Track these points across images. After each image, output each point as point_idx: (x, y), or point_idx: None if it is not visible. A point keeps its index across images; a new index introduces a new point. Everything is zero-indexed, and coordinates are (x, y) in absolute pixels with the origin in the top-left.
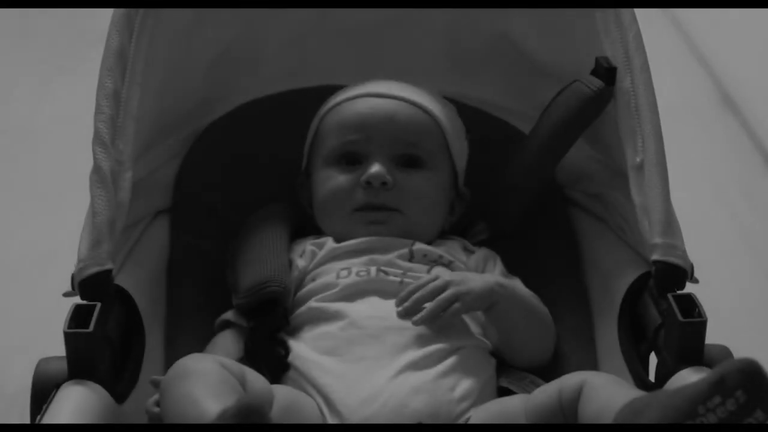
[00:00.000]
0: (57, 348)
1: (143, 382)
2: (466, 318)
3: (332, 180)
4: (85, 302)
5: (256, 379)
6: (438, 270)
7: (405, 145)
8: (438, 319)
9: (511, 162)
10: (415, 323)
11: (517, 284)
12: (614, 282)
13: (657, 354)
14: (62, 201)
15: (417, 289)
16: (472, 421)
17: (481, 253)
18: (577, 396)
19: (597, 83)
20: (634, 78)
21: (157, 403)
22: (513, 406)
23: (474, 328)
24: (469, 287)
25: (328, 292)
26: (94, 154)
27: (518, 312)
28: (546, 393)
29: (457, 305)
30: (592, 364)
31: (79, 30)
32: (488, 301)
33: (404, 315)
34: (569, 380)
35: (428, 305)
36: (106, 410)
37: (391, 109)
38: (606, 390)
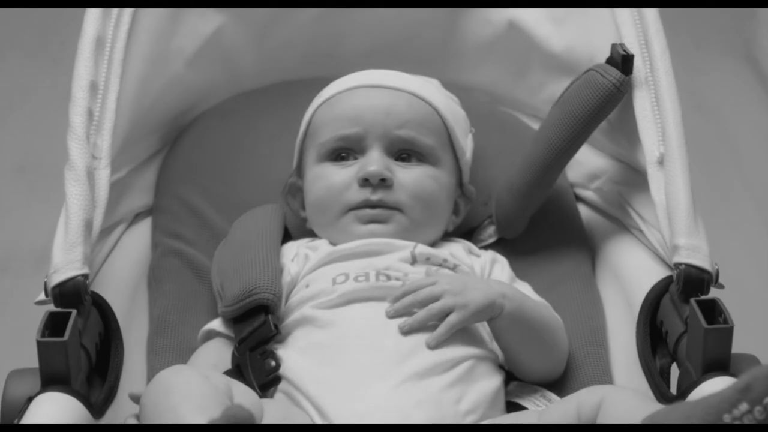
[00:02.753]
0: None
1: (122, 394)
2: (474, 326)
3: (326, 177)
4: (59, 309)
5: (243, 393)
6: (444, 273)
7: (404, 139)
8: (426, 327)
9: (520, 158)
10: (401, 330)
11: (526, 292)
12: (632, 287)
13: (679, 365)
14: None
15: (413, 290)
16: None
17: (488, 256)
18: (596, 413)
19: (613, 72)
20: (654, 64)
21: (137, 418)
22: (526, 422)
23: (481, 337)
24: (467, 299)
25: (324, 299)
26: (69, 149)
27: (526, 324)
28: (563, 409)
29: (452, 318)
30: (607, 376)
31: None
32: (489, 314)
33: (392, 315)
34: (588, 397)
35: (419, 312)
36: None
37: (388, 101)
38: (626, 405)
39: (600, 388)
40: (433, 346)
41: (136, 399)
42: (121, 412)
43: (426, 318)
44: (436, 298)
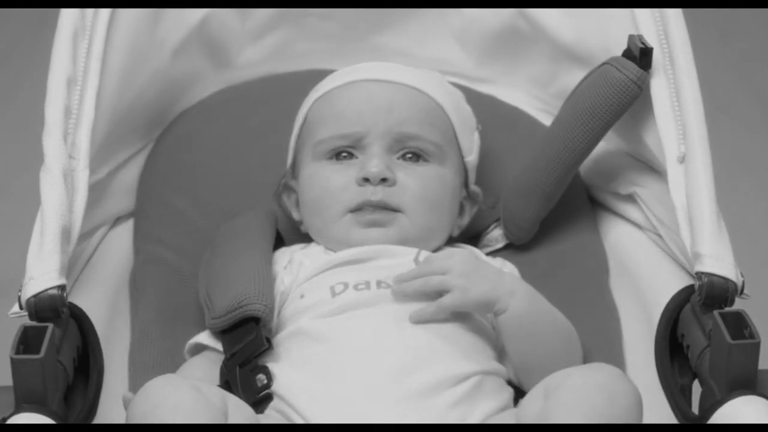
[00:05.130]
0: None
1: (102, 414)
2: (481, 339)
3: (323, 177)
4: (34, 323)
5: (238, 407)
6: (459, 252)
7: (406, 137)
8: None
9: (530, 158)
10: (393, 295)
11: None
12: (650, 297)
13: (701, 382)
14: None
15: (430, 264)
16: None
17: (496, 264)
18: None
19: (630, 67)
20: (674, 58)
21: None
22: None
23: (490, 349)
24: (470, 284)
25: (322, 310)
26: (45, 150)
27: (536, 326)
28: (533, 401)
29: (446, 299)
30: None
31: None
32: (489, 309)
33: (397, 281)
34: (554, 386)
35: (416, 281)
36: None
37: (390, 97)
38: (572, 399)
39: (565, 373)
40: (414, 321)
41: (128, 403)
42: None
43: (420, 287)
44: (441, 273)
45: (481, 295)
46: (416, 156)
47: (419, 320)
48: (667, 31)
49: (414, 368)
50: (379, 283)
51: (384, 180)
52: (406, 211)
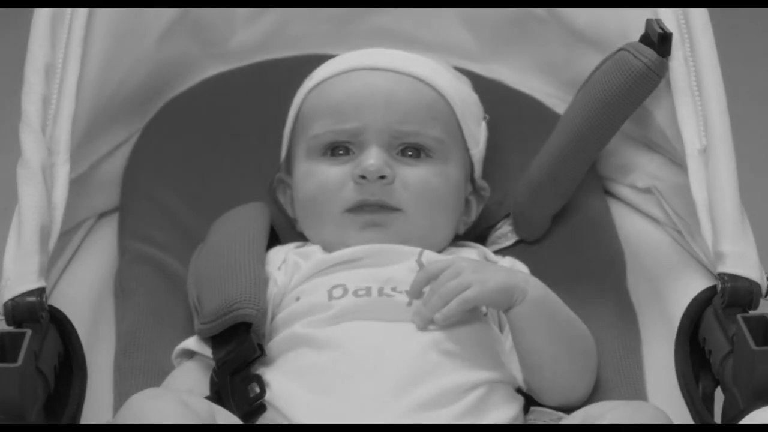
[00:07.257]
0: None
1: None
2: (488, 345)
3: (318, 174)
4: (11, 329)
5: (228, 421)
6: (465, 253)
7: (407, 133)
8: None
9: (543, 149)
10: (417, 326)
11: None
12: (670, 298)
13: (724, 389)
14: None
15: (429, 277)
16: None
17: (506, 263)
18: None
19: (648, 53)
20: (695, 44)
21: None
22: None
23: (497, 356)
24: (483, 277)
25: (318, 316)
26: (22, 142)
27: (550, 316)
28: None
29: (468, 293)
30: (640, 400)
31: None
32: (509, 296)
33: (420, 325)
34: (594, 417)
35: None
36: None
37: (390, 87)
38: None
39: (606, 405)
40: (440, 322)
41: None
42: None
43: (440, 299)
44: (454, 277)
45: (500, 283)
46: (417, 151)
47: (445, 319)
48: (688, 16)
49: (418, 379)
50: (380, 291)
51: (382, 177)
52: (405, 209)
